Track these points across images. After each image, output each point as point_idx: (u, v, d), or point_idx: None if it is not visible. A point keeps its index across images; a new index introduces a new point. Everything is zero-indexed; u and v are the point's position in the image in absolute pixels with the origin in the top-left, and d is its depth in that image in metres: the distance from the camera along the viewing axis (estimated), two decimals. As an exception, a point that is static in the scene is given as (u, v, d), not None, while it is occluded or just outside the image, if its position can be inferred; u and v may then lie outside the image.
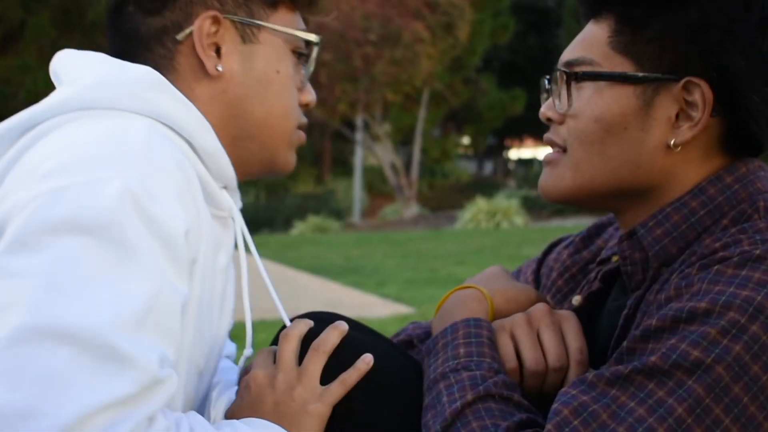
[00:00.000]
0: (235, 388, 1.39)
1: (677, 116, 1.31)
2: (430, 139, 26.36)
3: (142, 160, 1.14)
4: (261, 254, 1.44)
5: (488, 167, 34.60)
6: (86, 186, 1.10)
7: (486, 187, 23.88)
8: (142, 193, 1.11)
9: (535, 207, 18.22)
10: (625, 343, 1.20)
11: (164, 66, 1.31)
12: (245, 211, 1.42)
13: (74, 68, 1.29)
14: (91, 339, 1.03)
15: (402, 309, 7.38)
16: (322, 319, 1.36)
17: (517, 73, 27.61)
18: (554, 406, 1.17)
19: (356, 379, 1.29)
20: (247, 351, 1.41)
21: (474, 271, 1.62)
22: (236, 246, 1.38)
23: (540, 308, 1.38)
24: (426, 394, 1.31)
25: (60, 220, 1.07)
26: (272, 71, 1.34)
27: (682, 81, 1.29)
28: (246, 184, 8.34)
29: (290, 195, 25.02)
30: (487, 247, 12.15)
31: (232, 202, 1.35)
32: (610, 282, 1.45)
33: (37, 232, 1.07)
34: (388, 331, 1.97)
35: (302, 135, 1.40)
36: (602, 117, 1.32)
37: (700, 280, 1.20)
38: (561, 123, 1.38)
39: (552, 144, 1.40)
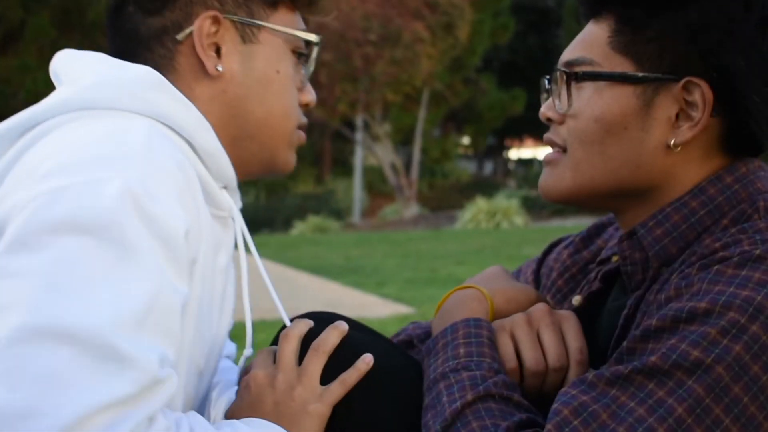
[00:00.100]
0: (235, 388, 1.39)
1: (677, 116, 1.31)
2: (430, 139, 26.35)
3: (142, 160, 1.14)
4: (261, 254, 1.44)
5: (488, 167, 34.58)
6: (86, 186, 1.10)
7: (486, 187, 23.86)
8: (142, 193, 1.11)
9: (535, 207, 18.21)
10: (625, 343, 1.20)
11: (164, 66, 1.31)
12: (245, 211, 1.42)
13: (74, 68, 1.29)
14: (91, 339, 1.03)
15: (402, 309, 7.38)
16: (322, 319, 1.36)
17: (517, 73, 27.60)
18: (554, 406, 1.17)
19: (356, 379, 1.29)
20: (247, 351, 1.41)
21: (474, 271, 1.62)
22: (236, 246, 1.38)
23: (540, 308, 1.37)
24: (426, 394, 1.31)
25: (60, 220, 1.07)
26: (272, 71, 1.34)
27: (682, 81, 1.29)
28: (246, 184, 8.34)
29: (290, 195, 25.01)
30: (487, 247, 12.15)
31: (232, 202, 1.35)
32: (610, 282, 1.45)
33: (37, 232, 1.07)
34: (388, 331, 1.97)
35: (302, 135, 1.40)
36: (602, 117, 1.32)
37: (700, 280, 1.20)
38: (561, 123, 1.38)
39: (552, 144, 1.40)
